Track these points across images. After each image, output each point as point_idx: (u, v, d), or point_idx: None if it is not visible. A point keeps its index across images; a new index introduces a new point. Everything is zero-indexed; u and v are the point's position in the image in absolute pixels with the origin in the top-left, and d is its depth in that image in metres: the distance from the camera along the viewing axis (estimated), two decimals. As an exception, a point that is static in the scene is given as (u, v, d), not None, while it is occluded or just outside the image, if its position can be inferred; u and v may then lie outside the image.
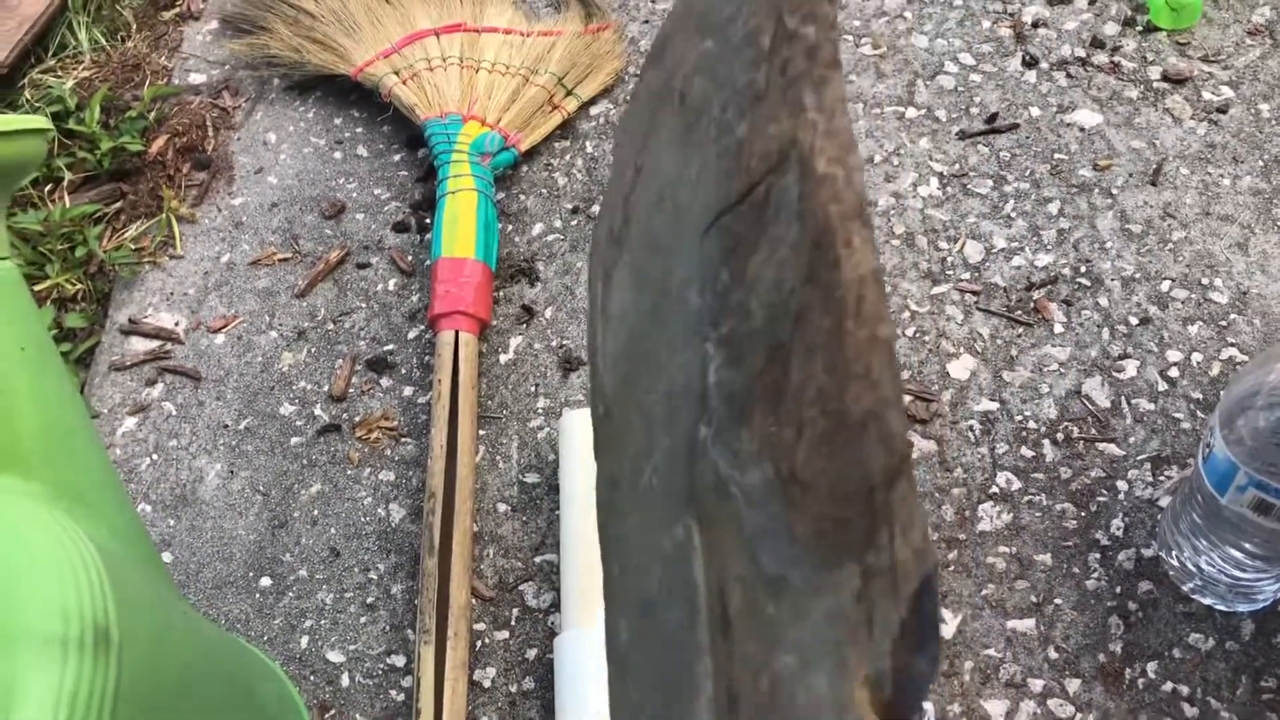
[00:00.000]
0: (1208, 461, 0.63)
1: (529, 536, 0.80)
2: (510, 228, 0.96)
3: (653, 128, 0.50)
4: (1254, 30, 0.97)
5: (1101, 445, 0.78)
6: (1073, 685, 0.69)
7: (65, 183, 1.02)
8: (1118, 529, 0.75)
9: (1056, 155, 0.93)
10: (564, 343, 0.89)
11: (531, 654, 0.75)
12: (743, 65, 0.45)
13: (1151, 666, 0.70)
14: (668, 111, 0.50)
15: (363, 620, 0.78)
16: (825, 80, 0.38)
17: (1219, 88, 0.94)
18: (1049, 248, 0.88)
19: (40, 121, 0.53)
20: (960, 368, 0.83)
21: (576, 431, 0.79)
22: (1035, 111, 0.96)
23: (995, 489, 0.77)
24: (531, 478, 0.82)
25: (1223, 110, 0.93)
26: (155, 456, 0.86)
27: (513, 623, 0.76)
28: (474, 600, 0.77)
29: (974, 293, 0.86)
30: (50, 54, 1.13)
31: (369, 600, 0.78)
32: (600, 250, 0.52)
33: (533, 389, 0.86)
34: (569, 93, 1.00)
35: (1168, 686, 0.69)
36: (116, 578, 0.44)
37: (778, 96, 0.42)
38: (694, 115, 0.47)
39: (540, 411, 0.85)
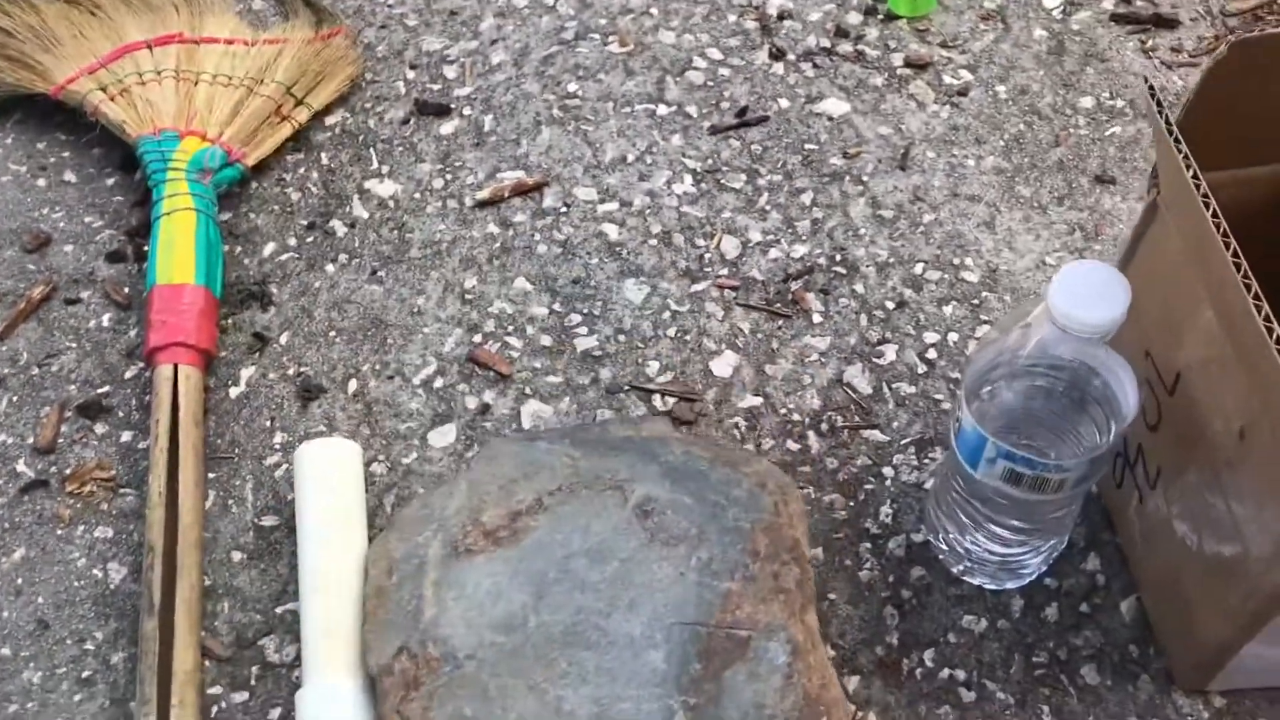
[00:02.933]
0: (959, 437, 0.61)
1: (268, 585, 0.72)
2: (239, 249, 0.88)
3: (575, 494, 0.68)
4: (986, 16, 0.99)
5: (866, 432, 0.77)
6: (852, 683, 0.67)
7: None
8: (886, 516, 0.73)
9: (807, 146, 0.92)
10: (301, 370, 0.81)
11: (275, 714, 0.67)
12: (734, 548, 0.65)
13: (928, 654, 0.68)
14: (608, 500, 0.68)
15: (77, 698, 0.68)
16: (806, 608, 0.64)
17: (958, 72, 0.95)
18: (804, 238, 0.86)
19: None
20: (723, 365, 0.80)
21: (314, 464, 0.72)
22: (784, 103, 0.94)
23: (764, 487, 0.74)
24: (269, 520, 0.74)
25: (963, 93, 0.94)
26: None
27: (252, 682, 0.68)
28: (206, 661, 0.69)
29: (733, 288, 0.84)
30: None
31: (84, 674, 0.69)
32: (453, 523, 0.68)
33: (268, 423, 0.79)
34: (299, 102, 0.93)
35: (945, 673, 0.67)
36: None
37: (769, 588, 0.64)
38: (663, 534, 0.66)
39: (277, 447, 0.78)
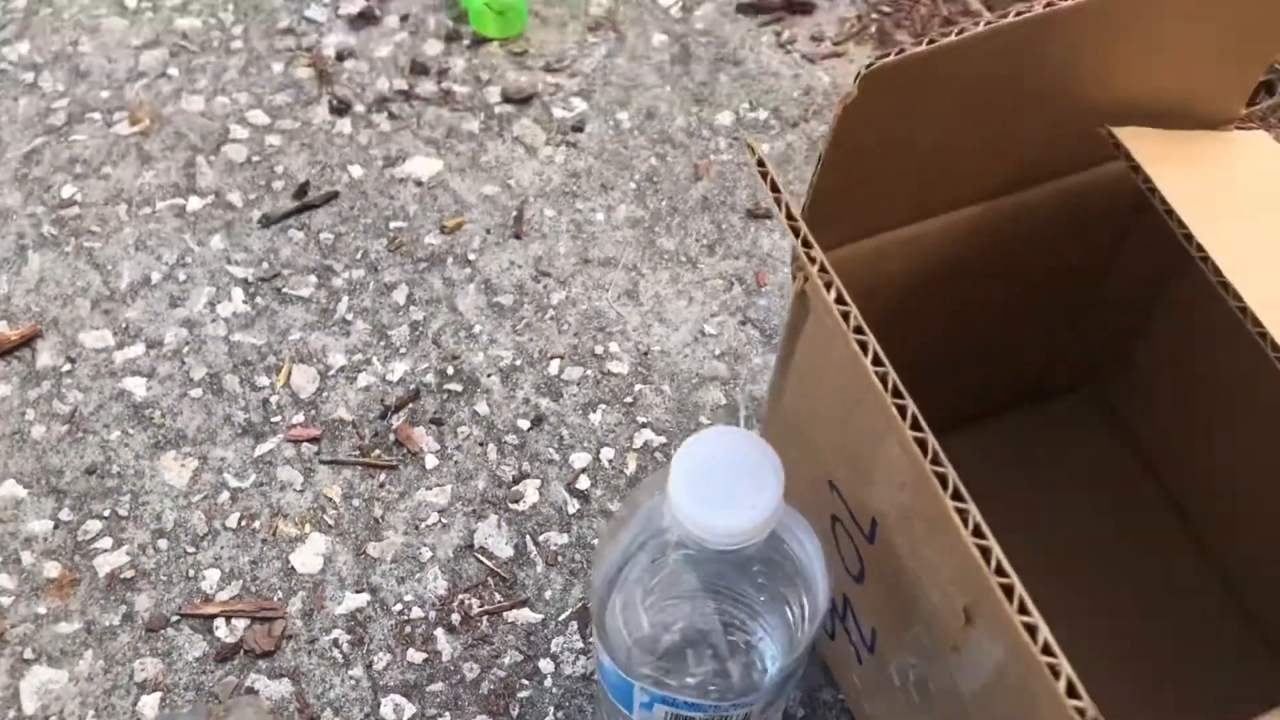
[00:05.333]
0: (602, 671, 0.43)
1: None
2: None
3: None
4: (594, 26, 0.81)
5: (512, 614, 0.57)
6: None
7: None
8: (551, 735, 0.54)
9: (393, 224, 0.71)
10: None
11: None
12: None
13: None
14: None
15: None
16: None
17: (570, 100, 0.77)
18: (403, 352, 0.66)
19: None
20: (309, 555, 0.59)
21: None
22: (357, 171, 0.73)
23: (379, 731, 0.54)
24: None
25: (579, 128, 0.76)
26: None
27: None
28: None
29: (312, 440, 0.62)
30: None
31: None
32: None
33: None
34: None
35: None
36: None
37: None
38: None
39: None
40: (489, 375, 0.65)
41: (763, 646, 0.41)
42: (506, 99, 0.77)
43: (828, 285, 0.35)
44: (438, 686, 0.55)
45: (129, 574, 0.58)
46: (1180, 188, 0.43)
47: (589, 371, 0.65)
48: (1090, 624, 0.44)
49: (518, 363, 0.66)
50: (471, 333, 0.67)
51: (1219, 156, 0.47)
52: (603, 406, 0.64)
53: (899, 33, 0.81)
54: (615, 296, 0.68)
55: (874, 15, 0.83)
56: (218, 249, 0.69)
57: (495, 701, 0.55)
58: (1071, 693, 0.29)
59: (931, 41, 0.35)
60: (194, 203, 0.71)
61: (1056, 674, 0.29)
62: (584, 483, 0.61)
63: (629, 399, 0.64)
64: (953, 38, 0.35)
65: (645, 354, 0.66)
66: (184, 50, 0.78)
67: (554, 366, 0.65)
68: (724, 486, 0.36)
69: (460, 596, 0.58)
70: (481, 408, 0.64)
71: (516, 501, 0.61)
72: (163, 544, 0.59)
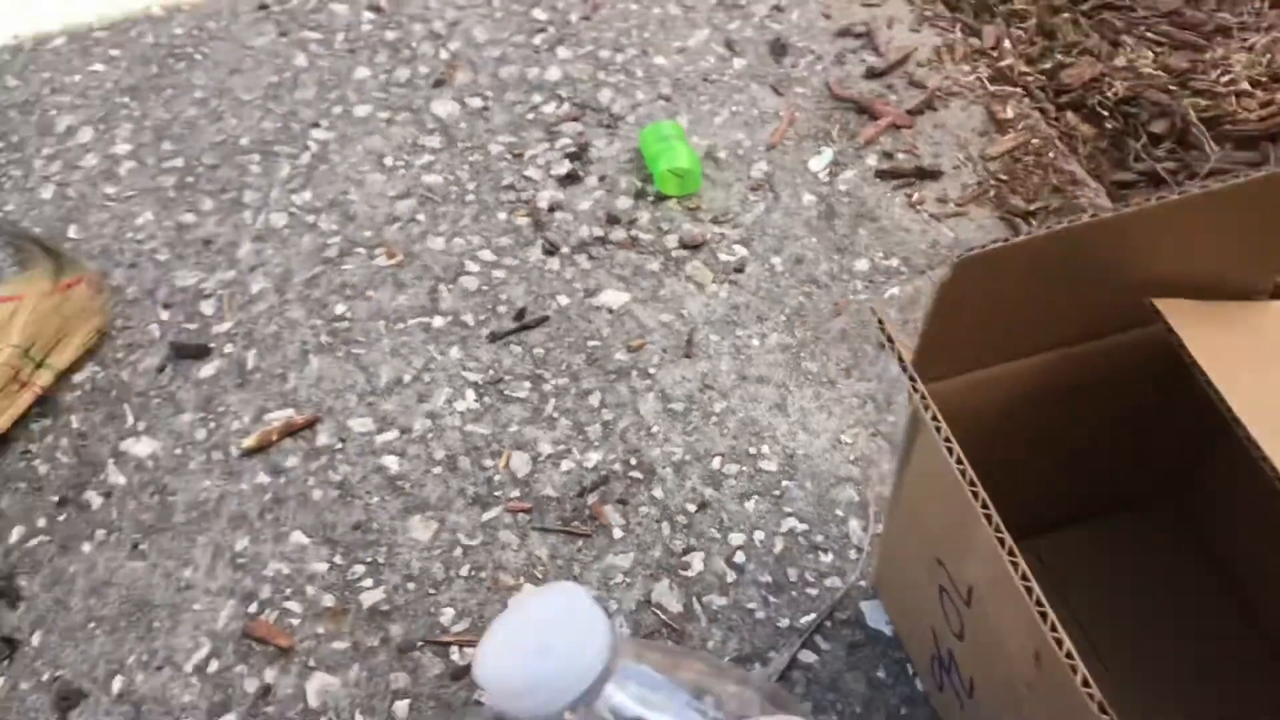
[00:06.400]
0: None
1: None
2: (-22, 542, 0.79)
3: None
4: (755, 186, 0.99)
5: (680, 657, 0.72)
6: None
7: None
8: (709, 752, 0.68)
9: (590, 343, 0.89)
10: (58, 673, 0.73)
11: None
12: None
13: None
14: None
15: None
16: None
17: (733, 247, 0.94)
18: (596, 444, 0.83)
19: None
20: (523, 601, 0.75)
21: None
22: (564, 300, 0.92)
23: (577, 737, 0.69)
24: None
25: (740, 270, 0.93)
26: None
27: None
28: None
29: (526, 510, 0.79)
30: None
31: None
32: None
33: (17, 747, 0.70)
34: (40, 364, 0.86)
35: None
36: None
37: None
38: None
39: (28, 775, 0.69)
40: (664, 467, 0.81)
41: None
42: (682, 245, 0.94)
43: (928, 412, 0.50)
44: (621, 709, 0.70)
45: (385, 607, 0.75)
46: (1211, 347, 0.56)
47: (744, 468, 0.81)
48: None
49: (687, 458, 0.82)
50: (650, 432, 0.83)
51: (1250, 322, 0.60)
52: (755, 497, 0.79)
53: (1013, 197, 0.96)
54: (767, 408, 0.84)
55: (992, 181, 0.98)
56: (455, 358, 0.88)
57: (665, 724, 0.69)
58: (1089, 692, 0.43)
59: (1007, 240, 0.50)
60: (437, 321, 0.90)
61: (1091, 698, 0.43)
62: (740, 557, 0.76)
63: (776, 492, 0.79)
64: (1023, 237, 0.51)
65: (791, 456, 0.81)
66: (429, 200, 0.99)
67: (716, 462, 0.81)
68: (531, 660, 0.36)
69: (642, 636, 0.73)
70: (657, 492, 0.80)
71: (685, 569, 0.76)
72: (411, 586, 0.76)
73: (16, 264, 0.95)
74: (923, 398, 0.50)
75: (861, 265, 0.93)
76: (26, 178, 1.02)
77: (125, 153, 1.03)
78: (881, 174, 0.99)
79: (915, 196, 0.98)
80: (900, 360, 0.51)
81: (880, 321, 0.52)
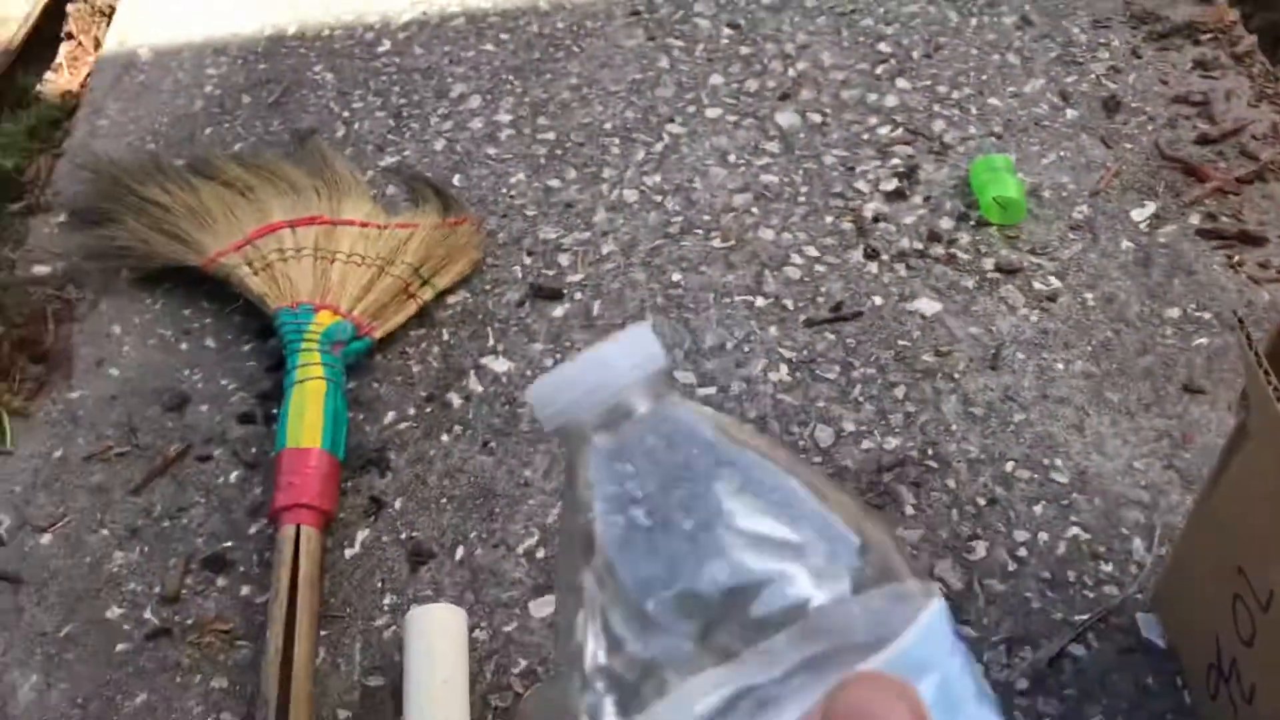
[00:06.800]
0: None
1: (370, 745, 0.75)
2: (362, 416, 0.94)
3: None
4: (1075, 225, 1.04)
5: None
6: None
7: (-113, 376, 0.97)
8: (976, 714, 0.74)
9: (900, 342, 0.96)
10: (413, 535, 0.86)
11: None
12: None
13: None
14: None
15: None
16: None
17: (1047, 278, 1.00)
18: (897, 431, 0.90)
19: None
20: (815, 552, 0.83)
21: (423, 629, 0.75)
22: (878, 300, 0.99)
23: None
24: (374, 680, 0.78)
25: (1052, 299, 0.98)
26: (-40, 670, 0.79)
27: (349, 843, 0.71)
28: (307, 819, 0.71)
29: (827, 476, 0.87)
30: (-115, 244, 1.09)
31: (190, 824, 0.72)
32: None
33: (379, 585, 0.83)
34: (425, 282, 1.00)
35: None
36: None
37: None
38: None
39: (386, 609, 0.81)
40: (959, 461, 0.87)
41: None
42: (998, 269, 1.01)
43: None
44: (896, 661, 0.76)
45: (693, 534, 0.84)
46: None
47: (1036, 475, 0.86)
48: None
49: (982, 457, 0.87)
50: (949, 430, 0.89)
51: None
52: (1044, 502, 0.84)
53: (1338, 271, 0.98)
54: (1064, 426, 0.89)
55: (1317, 254, 0.99)
56: (773, 335, 0.97)
57: (936, 683, 0.75)
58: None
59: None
60: (760, 301, 1.00)
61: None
62: (1022, 553, 0.82)
63: (1065, 502, 0.84)
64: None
65: (1083, 473, 0.86)
66: (764, 197, 1.09)
67: (1009, 466, 0.87)
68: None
69: (919, 606, 0.79)
70: (950, 483, 0.86)
71: (969, 553, 0.82)
72: (717, 520, 0.85)
73: (411, 200, 1.11)
74: (1275, 390, 0.54)
75: (1173, 313, 0.96)
76: (423, 131, 1.19)
77: (506, 121, 1.19)
78: (1203, 232, 1.02)
79: (1235, 258, 1.00)
80: (1255, 354, 0.56)
81: (1239, 321, 0.57)
